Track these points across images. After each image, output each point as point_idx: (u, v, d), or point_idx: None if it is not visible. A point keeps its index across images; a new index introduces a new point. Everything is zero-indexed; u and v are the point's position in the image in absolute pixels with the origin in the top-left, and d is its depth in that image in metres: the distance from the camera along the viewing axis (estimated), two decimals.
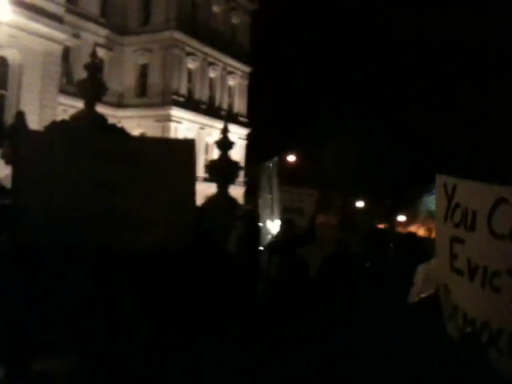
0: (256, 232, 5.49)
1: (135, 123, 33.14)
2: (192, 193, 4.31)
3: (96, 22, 34.02)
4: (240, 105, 42.87)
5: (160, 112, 35.54)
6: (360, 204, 44.68)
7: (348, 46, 57.01)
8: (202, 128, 37.75)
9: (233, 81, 41.81)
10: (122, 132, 10.10)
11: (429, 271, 3.33)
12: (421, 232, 38.81)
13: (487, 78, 63.04)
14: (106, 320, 3.83)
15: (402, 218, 50.24)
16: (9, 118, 16.60)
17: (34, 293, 3.80)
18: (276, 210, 7.29)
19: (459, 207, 2.81)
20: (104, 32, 34.77)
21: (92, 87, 9.63)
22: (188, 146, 4.43)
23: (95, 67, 10.16)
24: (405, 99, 55.15)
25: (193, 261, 4.20)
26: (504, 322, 2.55)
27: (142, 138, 12.94)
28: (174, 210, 4.12)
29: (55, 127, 8.71)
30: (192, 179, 4.45)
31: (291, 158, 42.32)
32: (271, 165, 7.71)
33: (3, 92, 21.03)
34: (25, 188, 3.82)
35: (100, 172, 4.02)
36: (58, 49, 22.90)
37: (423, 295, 3.23)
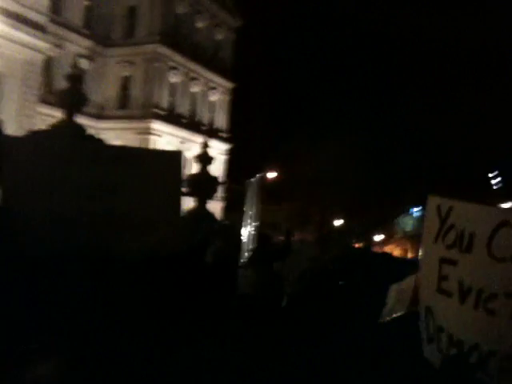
0: (234, 247, 5.53)
1: (115, 135, 32.96)
2: (178, 201, 4.41)
3: (79, 32, 33.96)
4: (221, 120, 43.06)
5: (141, 125, 35.47)
6: (338, 222, 45.00)
7: (339, 55, 57.72)
8: (182, 142, 37.74)
9: (215, 96, 42.01)
10: (101, 142, 10.15)
11: (401, 291, 3.35)
12: (396, 252, 39.19)
13: (487, 77, 64.07)
14: (105, 321, 3.82)
15: (378, 238, 50.70)
16: None
17: (33, 295, 3.80)
18: (253, 225, 7.35)
19: (454, 228, 2.79)
20: (87, 43, 34.72)
21: (72, 97, 9.60)
22: (175, 156, 4.57)
23: (76, 78, 10.14)
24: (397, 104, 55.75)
25: (190, 263, 4.27)
26: (495, 344, 2.54)
27: (132, 147, 13.04)
28: (167, 214, 4.23)
29: (34, 136, 8.67)
30: (178, 188, 4.56)
31: (272, 175, 42.53)
32: (254, 182, 7.83)
33: None
34: (18, 192, 3.84)
35: (99, 173, 4.07)
36: (39, 58, 22.77)
37: (395, 315, 3.24)
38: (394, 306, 3.35)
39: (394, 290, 3.50)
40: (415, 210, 49.53)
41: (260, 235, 6.53)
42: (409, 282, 3.25)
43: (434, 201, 2.98)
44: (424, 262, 3.05)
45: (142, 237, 4.28)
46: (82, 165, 4.18)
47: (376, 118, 50.47)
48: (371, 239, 47.87)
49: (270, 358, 3.65)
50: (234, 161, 42.17)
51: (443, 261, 2.81)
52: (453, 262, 2.76)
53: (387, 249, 38.48)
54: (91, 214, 4.10)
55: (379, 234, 51.34)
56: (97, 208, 4.11)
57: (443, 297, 2.79)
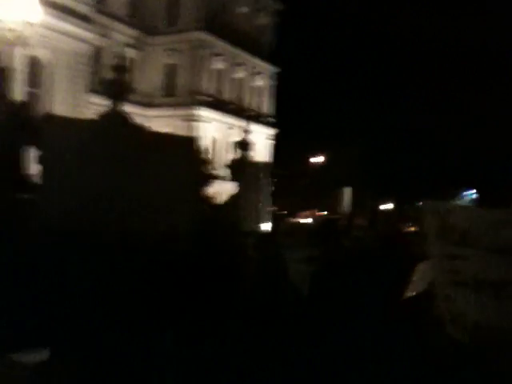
0: (275, 259, 5.57)
1: (164, 122, 33.46)
2: (197, 184, 4.54)
3: (125, 22, 34.52)
4: (268, 105, 42.94)
5: (187, 112, 35.86)
6: (389, 206, 44.17)
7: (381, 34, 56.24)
8: (229, 128, 37.94)
9: (260, 81, 41.89)
10: (143, 128, 10.38)
11: (425, 269, 3.44)
12: None
13: (489, 78, 61.70)
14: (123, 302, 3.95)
15: None
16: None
17: (58, 276, 3.98)
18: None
19: (456, 227, 2.96)
20: (133, 32, 35.27)
21: (117, 87, 9.77)
22: (190, 141, 4.72)
23: (121, 68, 10.30)
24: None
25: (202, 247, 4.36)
26: None
27: (155, 132, 13.32)
28: (182, 196, 4.36)
29: (83, 124, 8.93)
30: (196, 172, 4.68)
31: (319, 159, 42.20)
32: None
33: (37, 91, 21.51)
34: (51, 176, 4.07)
35: (117, 160, 4.25)
36: (87, 48, 23.33)
37: (417, 291, 3.39)
38: (417, 282, 3.48)
39: (419, 267, 3.62)
40: (468, 193, 48.09)
41: (326, 220, 6.58)
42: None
43: (427, 205, 3.18)
44: (434, 258, 3.16)
45: (163, 217, 4.46)
46: (112, 150, 4.35)
47: (434, 103, 49.18)
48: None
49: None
50: (280, 146, 42.05)
51: (451, 257, 2.96)
52: (462, 257, 2.90)
53: None
54: (117, 194, 4.29)
55: None
56: (122, 189, 4.30)
57: (460, 288, 2.93)
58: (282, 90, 43.21)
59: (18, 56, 16.22)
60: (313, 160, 42.14)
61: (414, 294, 3.48)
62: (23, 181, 9.37)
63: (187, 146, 4.78)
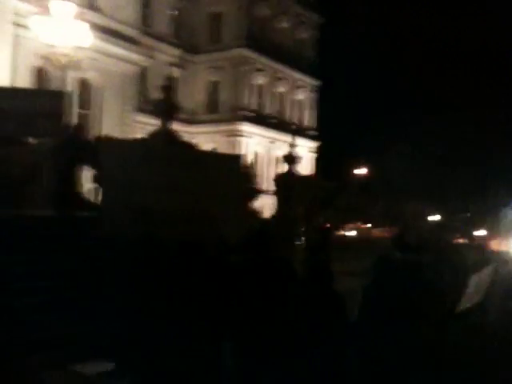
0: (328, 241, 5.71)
1: (207, 139, 34.07)
2: (244, 198, 4.83)
3: (169, 42, 35.46)
4: (309, 118, 43.02)
5: (230, 127, 36.36)
6: (435, 217, 43.20)
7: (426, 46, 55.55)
8: (271, 142, 38.18)
9: (302, 94, 42.06)
10: (191, 146, 10.73)
11: (479, 280, 3.42)
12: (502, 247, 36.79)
13: None
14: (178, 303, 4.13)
15: (481, 233, 47.99)
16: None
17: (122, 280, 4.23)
18: None
19: None
20: (176, 52, 36.16)
21: (166, 107, 10.15)
22: (236, 159, 5.04)
23: (169, 88, 10.68)
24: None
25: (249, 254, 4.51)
26: None
27: (204, 150, 13.78)
28: (230, 210, 4.62)
29: (130, 141, 9.36)
30: (242, 187, 4.99)
31: (362, 171, 41.83)
32: None
33: (87, 112, 22.35)
34: (109, 189, 4.43)
35: (170, 175, 4.59)
36: (134, 70, 24.12)
37: (472, 303, 3.36)
38: (472, 294, 3.44)
39: (473, 279, 3.57)
40: None
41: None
42: (487, 272, 3.32)
43: None
44: None
45: (210, 229, 4.72)
46: (161, 167, 4.70)
47: (472, 110, 48.07)
48: (472, 235, 45.42)
49: None
50: (323, 158, 41.95)
51: None
52: None
53: (493, 244, 36.36)
54: (166, 208, 4.62)
55: (481, 229, 48.57)
56: (170, 204, 4.63)
57: None
58: (324, 103, 43.23)
59: (70, 79, 16.93)
60: (356, 172, 41.82)
61: (468, 306, 3.46)
62: (80, 199, 9.81)
63: (234, 162, 5.09)
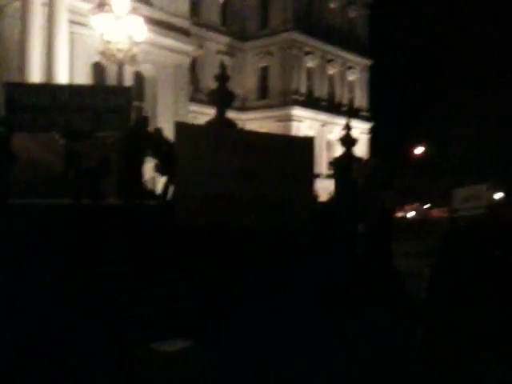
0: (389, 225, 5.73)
1: (258, 125, 34.23)
2: (311, 182, 4.90)
3: (218, 30, 35.70)
4: (361, 99, 42.34)
5: (281, 112, 36.34)
6: (498, 195, 41.58)
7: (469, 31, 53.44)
8: (323, 125, 37.91)
9: (353, 75, 41.43)
10: (251, 133, 11.01)
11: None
12: None
13: None
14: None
15: None
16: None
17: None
18: None
19: None
20: (226, 40, 36.38)
21: (222, 96, 10.35)
22: (308, 142, 5.06)
23: (223, 78, 10.86)
24: None
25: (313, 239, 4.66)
26: None
27: (272, 134, 13.91)
28: (297, 195, 4.72)
29: (190, 126, 9.64)
30: (311, 171, 5.04)
31: (419, 150, 40.84)
32: None
33: (141, 104, 22.93)
34: (183, 177, 4.62)
35: (241, 162, 4.72)
36: (186, 60, 24.46)
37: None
38: None
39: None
40: None
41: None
42: None
43: None
44: None
45: (278, 215, 4.86)
46: (231, 153, 4.82)
47: None
48: None
49: None
50: (376, 139, 41.26)
51: None
52: None
53: None
54: (237, 194, 4.77)
55: None
56: (240, 189, 4.77)
57: None
58: (377, 82, 42.39)
59: (125, 73, 17.41)
60: (413, 151, 40.92)
61: None
62: (144, 188, 10.23)
63: (306, 145, 5.14)
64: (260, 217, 4.78)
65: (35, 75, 17.41)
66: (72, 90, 10.87)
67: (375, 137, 41.90)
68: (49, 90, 10.88)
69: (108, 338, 4.42)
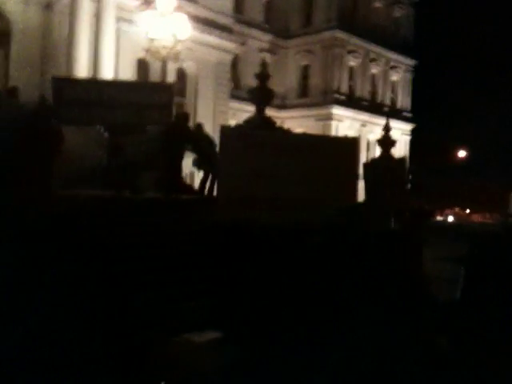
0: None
1: (297, 123, 34.18)
2: (354, 185, 4.90)
3: (261, 28, 35.79)
4: (404, 99, 41.70)
5: (321, 111, 36.16)
6: None
7: None
8: (363, 125, 37.54)
9: (396, 75, 40.83)
10: (288, 132, 11.07)
11: None
12: None
13: None
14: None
15: None
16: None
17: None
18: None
19: None
20: (268, 37, 36.44)
21: (262, 94, 10.46)
22: (352, 143, 5.08)
23: (265, 76, 10.96)
24: None
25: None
26: None
27: (315, 135, 13.99)
28: (339, 196, 4.76)
29: (235, 130, 9.82)
30: (354, 173, 5.05)
31: (461, 154, 39.98)
32: None
33: (183, 100, 23.30)
34: (226, 177, 4.80)
35: (282, 163, 4.83)
36: (228, 58, 24.70)
37: None
38: None
39: None
40: None
41: None
42: None
43: None
44: None
45: (320, 216, 4.91)
46: (272, 155, 4.92)
47: None
48: None
49: None
50: (418, 141, 40.57)
51: None
52: None
53: None
54: (278, 195, 4.87)
55: None
56: (281, 190, 4.85)
57: None
58: (421, 83, 41.67)
59: (168, 70, 17.72)
60: (456, 154, 40.08)
61: None
62: (183, 183, 10.46)
63: (350, 147, 5.20)
64: (299, 217, 4.88)
65: (82, 70, 17.95)
66: (117, 85, 11.18)
67: (417, 138, 41.20)
68: (95, 85, 11.21)
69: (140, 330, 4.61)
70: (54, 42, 19.36)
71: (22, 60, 18.83)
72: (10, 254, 4.80)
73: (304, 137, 6.77)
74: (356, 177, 5.28)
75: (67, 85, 10.88)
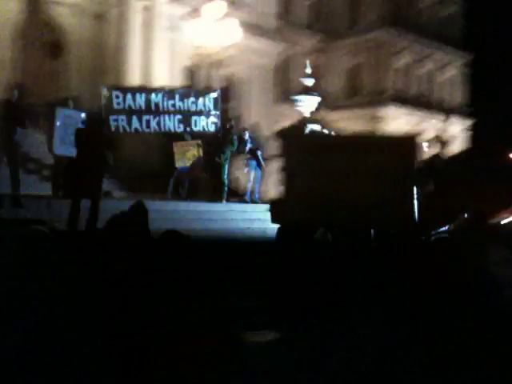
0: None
1: (347, 124, 33.68)
2: (410, 184, 4.82)
3: (307, 30, 35.54)
4: (461, 95, 40.39)
5: (372, 111, 35.51)
6: None
7: None
8: (416, 124, 36.57)
9: (451, 71, 39.62)
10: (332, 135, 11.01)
11: None
12: None
13: None
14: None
15: None
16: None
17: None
18: None
19: None
20: (315, 39, 36.13)
21: (310, 97, 10.34)
22: (410, 141, 4.98)
23: (312, 77, 10.83)
24: None
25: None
26: None
27: (371, 135, 14.05)
28: (395, 196, 4.67)
29: (287, 132, 9.89)
30: (410, 172, 4.97)
31: None
32: None
33: (229, 105, 23.42)
34: (291, 179, 4.84)
35: (340, 165, 4.80)
36: (276, 61, 24.66)
37: None
38: None
39: None
40: None
41: None
42: None
43: None
44: None
45: (375, 215, 4.86)
46: (330, 158, 4.92)
47: None
48: None
49: None
50: (477, 137, 39.06)
51: None
52: None
53: None
54: (339, 196, 4.84)
55: None
56: (340, 191, 4.82)
57: None
58: (478, 78, 40.19)
59: (217, 76, 17.88)
60: None
61: None
62: (230, 187, 10.51)
63: (410, 145, 5.15)
64: (358, 218, 4.90)
65: (134, 78, 18.37)
66: (164, 92, 11.36)
67: (476, 134, 39.67)
68: (143, 92, 11.44)
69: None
70: (106, 52, 19.89)
71: (76, 70, 19.46)
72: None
73: (365, 136, 6.84)
74: (416, 174, 5.20)
75: (116, 93, 11.14)
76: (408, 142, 5.22)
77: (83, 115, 9.58)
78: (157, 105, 10.94)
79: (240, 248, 6.98)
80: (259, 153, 12.03)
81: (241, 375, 3.95)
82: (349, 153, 5.22)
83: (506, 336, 4.14)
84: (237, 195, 12.60)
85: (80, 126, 8.91)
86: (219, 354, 3.94)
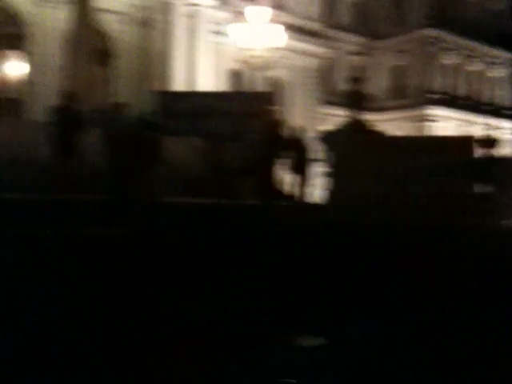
0: None
1: (392, 125, 33.19)
2: (470, 181, 4.92)
3: (351, 30, 35.26)
4: (506, 96, 39.17)
5: (418, 112, 34.88)
6: None
7: None
8: (461, 125, 35.68)
9: (497, 71, 38.49)
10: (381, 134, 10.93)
11: None
12: None
13: None
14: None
15: None
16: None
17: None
18: None
19: None
20: (358, 40, 35.80)
21: (357, 98, 10.33)
22: (466, 141, 5.02)
23: (360, 79, 10.82)
24: None
25: None
26: None
27: (425, 136, 14.03)
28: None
29: (335, 134, 9.94)
30: (470, 170, 5.06)
31: None
32: None
33: (275, 107, 23.46)
34: (336, 177, 4.94)
35: (392, 164, 4.86)
36: (316, 63, 24.65)
37: None
38: None
39: None
40: None
41: None
42: None
43: None
44: None
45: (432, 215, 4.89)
46: (381, 157, 4.95)
47: None
48: None
49: None
50: None
51: None
52: None
53: None
54: (392, 195, 4.89)
55: None
56: (392, 190, 4.86)
57: None
58: None
59: (262, 78, 18.00)
60: None
61: None
62: (276, 188, 10.60)
63: (466, 145, 5.21)
64: (412, 216, 4.98)
65: (178, 82, 18.72)
66: (212, 96, 11.55)
67: None
68: (191, 96, 11.67)
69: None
70: (148, 56, 20.33)
71: (124, 76, 19.98)
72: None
73: (416, 137, 6.86)
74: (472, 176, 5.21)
75: (164, 97, 11.39)
76: (466, 142, 5.25)
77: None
78: (205, 108, 11.12)
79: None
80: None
81: (241, 375, 3.98)
82: (398, 153, 5.27)
83: (506, 336, 4.08)
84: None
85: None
86: (218, 354, 4.01)
